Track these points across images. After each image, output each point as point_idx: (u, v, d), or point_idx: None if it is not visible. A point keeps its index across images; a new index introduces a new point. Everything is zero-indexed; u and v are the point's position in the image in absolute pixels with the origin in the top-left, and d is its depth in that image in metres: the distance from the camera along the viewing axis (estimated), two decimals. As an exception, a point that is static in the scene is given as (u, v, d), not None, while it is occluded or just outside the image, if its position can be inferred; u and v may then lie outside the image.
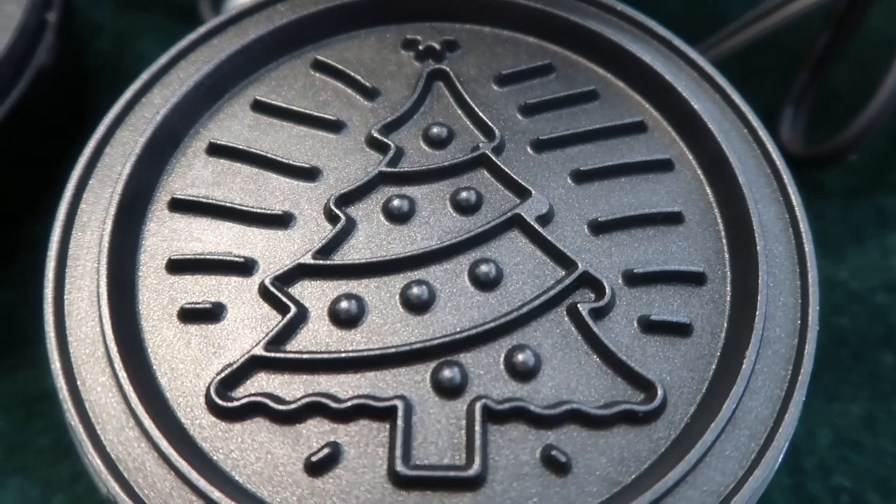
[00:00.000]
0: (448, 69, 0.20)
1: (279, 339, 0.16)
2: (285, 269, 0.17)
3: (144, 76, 0.19)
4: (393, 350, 0.16)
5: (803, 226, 0.17)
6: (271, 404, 0.15)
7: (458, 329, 0.16)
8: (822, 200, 0.26)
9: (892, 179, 0.26)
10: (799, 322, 0.16)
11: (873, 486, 0.21)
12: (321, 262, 0.17)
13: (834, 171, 0.26)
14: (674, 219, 0.18)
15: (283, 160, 0.18)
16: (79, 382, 0.15)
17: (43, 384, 0.20)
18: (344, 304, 0.16)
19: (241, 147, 0.18)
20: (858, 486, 0.21)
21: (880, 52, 0.25)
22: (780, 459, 0.15)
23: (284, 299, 0.16)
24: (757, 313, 0.16)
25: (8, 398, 0.22)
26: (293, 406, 0.15)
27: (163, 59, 0.19)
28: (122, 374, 0.15)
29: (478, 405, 0.15)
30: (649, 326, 0.16)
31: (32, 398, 0.22)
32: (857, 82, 0.26)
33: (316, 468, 0.15)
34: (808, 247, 0.17)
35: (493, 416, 0.15)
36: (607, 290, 0.16)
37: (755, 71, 0.28)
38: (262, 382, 0.16)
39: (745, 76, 0.29)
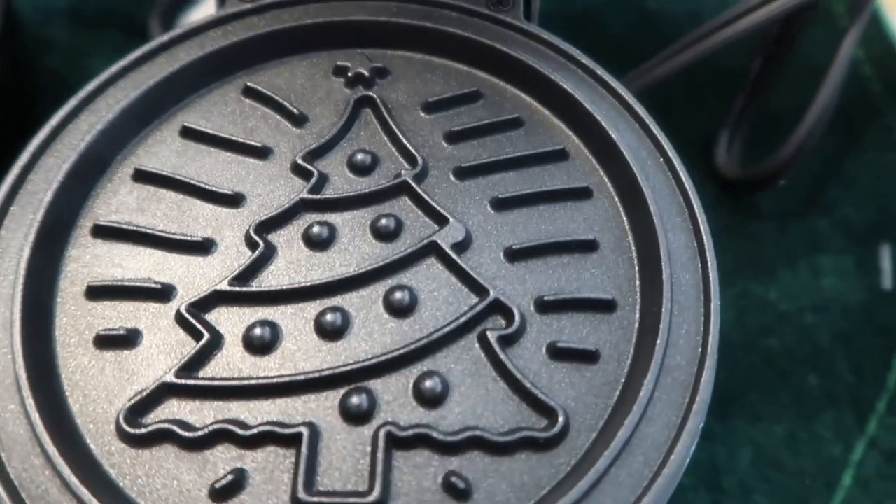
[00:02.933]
0: (376, 96, 0.20)
1: (191, 365, 0.16)
2: (201, 295, 0.17)
3: (72, 102, 0.19)
4: (303, 377, 0.16)
5: (709, 255, 0.17)
6: (179, 431, 0.15)
7: (370, 356, 0.16)
8: (757, 223, 0.26)
9: (825, 201, 0.27)
10: (700, 350, 0.16)
11: (792, 505, 0.21)
12: (237, 288, 0.17)
13: (770, 193, 0.26)
14: (588, 246, 0.18)
15: (208, 187, 0.18)
16: (-13, 410, 0.15)
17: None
18: (258, 331, 0.17)
19: (166, 173, 0.19)
20: (778, 505, 0.21)
21: (820, 75, 0.26)
22: (673, 486, 0.15)
23: (199, 326, 0.17)
24: (658, 341, 0.16)
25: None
26: (201, 433, 0.15)
27: (91, 85, 0.19)
28: (30, 402, 0.15)
29: (382, 431, 0.16)
30: (557, 353, 0.17)
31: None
32: (797, 105, 0.26)
33: (220, 494, 0.15)
34: (713, 275, 0.17)
35: (398, 442, 0.16)
36: (516, 318, 0.17)
37: (700, 93, 0.29)
38: (172, 409, 0.16)
39: (690, 98, 0.29)
